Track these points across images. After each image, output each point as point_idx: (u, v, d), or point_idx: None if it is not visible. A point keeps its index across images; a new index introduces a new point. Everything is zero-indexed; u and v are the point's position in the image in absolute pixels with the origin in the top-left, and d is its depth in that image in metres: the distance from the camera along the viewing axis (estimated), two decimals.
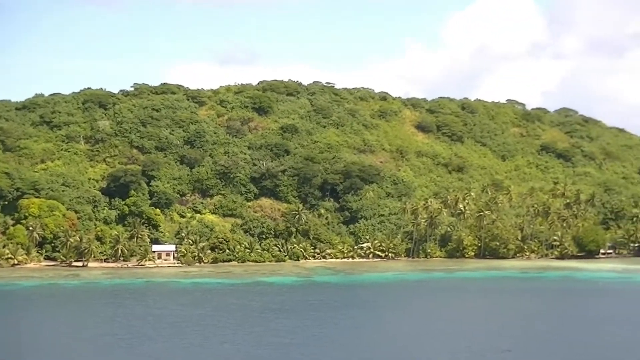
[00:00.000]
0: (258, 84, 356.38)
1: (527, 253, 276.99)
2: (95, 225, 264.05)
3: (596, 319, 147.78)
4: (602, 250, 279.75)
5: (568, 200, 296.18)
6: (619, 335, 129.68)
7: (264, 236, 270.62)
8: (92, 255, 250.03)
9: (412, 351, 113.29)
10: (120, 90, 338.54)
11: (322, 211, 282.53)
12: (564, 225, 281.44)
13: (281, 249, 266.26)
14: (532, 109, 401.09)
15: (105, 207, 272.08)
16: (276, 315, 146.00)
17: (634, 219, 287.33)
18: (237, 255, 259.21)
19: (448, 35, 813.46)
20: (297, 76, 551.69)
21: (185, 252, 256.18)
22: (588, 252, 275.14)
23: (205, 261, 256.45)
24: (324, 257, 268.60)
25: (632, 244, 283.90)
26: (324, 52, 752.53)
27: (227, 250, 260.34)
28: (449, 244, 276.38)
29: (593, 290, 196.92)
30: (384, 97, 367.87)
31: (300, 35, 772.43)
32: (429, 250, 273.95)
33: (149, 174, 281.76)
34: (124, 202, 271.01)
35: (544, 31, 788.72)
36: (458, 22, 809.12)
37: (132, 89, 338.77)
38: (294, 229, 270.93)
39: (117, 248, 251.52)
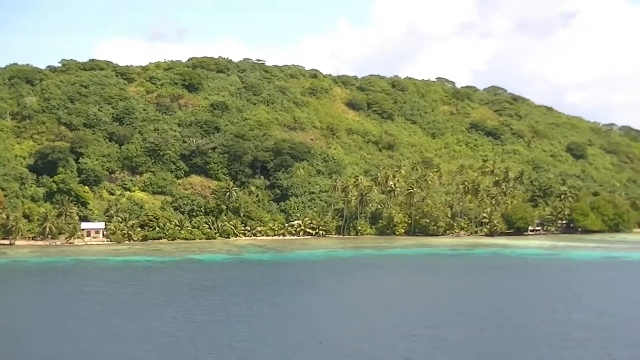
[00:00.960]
0: (188, 60, 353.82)
1: (457, 230, 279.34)
2: (22, 202, 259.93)
3: (522, 295, 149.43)
4: (530, 228, 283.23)
5: (497, 178, 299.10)
6: (543, 309, 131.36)
7: (194, 214, 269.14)
8: (20, 234, 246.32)
9: (336, 328, 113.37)
10: (48, 66, 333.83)
11: (253, 189, 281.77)
12: (493, 202, 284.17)
13: (211, 227, 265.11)
14: (462, 87, 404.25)
15: (33, 185, 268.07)
16: (206, 293, 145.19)
17: (562, 196, 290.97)
18: (167, 233, 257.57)
19: (378, 14, 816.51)
20: (227, 53, 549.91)
21: (115, 229, 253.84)
22: (517, 229, 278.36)
23: (134, 239, 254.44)
24: (255, 235, 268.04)
25: (559, 221, 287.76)
26: (255, 29, 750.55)
27: (157, 228, 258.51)
28: (380, 221, 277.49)
29: (521, 267, 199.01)
30: (314, 74, 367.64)
31: (230, 12, 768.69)
32: (359, 228, 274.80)
33: (77, 151, 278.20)
34: (52, 180, 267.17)
35: (472, 10, 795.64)
36: (388, 1, 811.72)
37: (60, 65, 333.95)
38: (224, 207, 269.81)
39: (45, 226, 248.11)
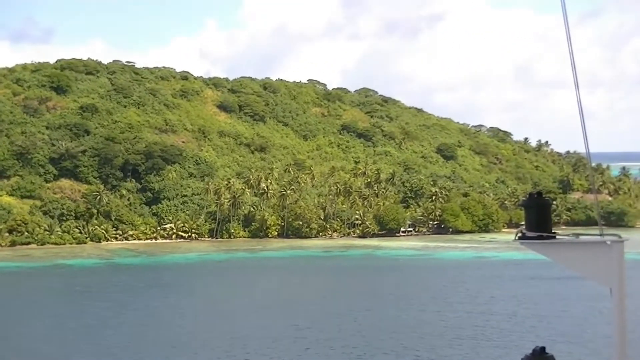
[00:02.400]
0: (56, 62, 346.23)
1: (330, 232, 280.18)
2: None
3: (394, 295, 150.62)
4: (402, 229, 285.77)
5: (369, 180, 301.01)
6: (414, 308, 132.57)
7: (64, 218, 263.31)
8: None
9: (202, 332, 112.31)
10: None
11: (124, 192, 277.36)
12: (365, 204, 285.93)
13: (82, 231, 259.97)
14: (333, 89, 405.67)
15: None
16: (77, 298, 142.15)
17: (433, 197, 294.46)
18: (36, 238, 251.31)
19: (247, 15, 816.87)
20: (96, 55, 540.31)
21: None
22: (389, 230, 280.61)
23: (2, 244, 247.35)
24: (126, 239, 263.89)
25: (431, 222, 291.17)
26: (123, 30, 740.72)
27: (26, 233, 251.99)
28: (253, 223, 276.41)
29: (394, 267, 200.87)
30: (185, 76, 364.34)
31: (97, 13, 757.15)
32: (232, 231, 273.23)
33: None
34: None
35: (339, 12, 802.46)
36: (256, 2, 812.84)
37: None
38: (95, 210, 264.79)
39: None
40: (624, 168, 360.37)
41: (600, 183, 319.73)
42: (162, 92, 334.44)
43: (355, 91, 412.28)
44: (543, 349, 12.81)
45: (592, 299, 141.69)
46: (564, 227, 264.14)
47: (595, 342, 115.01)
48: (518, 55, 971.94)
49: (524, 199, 14.00)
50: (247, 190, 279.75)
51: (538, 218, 13.57)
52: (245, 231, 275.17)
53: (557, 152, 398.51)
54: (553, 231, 13.60)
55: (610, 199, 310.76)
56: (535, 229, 13.45)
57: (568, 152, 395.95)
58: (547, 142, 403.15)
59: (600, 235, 13.42)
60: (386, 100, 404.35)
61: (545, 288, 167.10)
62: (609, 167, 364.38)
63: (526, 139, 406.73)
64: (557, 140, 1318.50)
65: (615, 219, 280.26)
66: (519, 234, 13.58)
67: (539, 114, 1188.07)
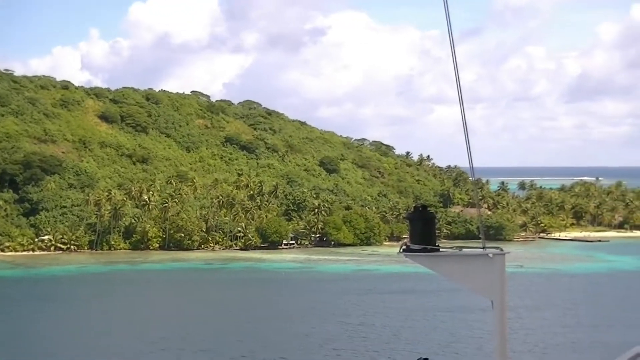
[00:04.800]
0: None
1: (212, 244, 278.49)
2: None
3: (274, 308, 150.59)
4: (284, 241, 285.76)
5: (252, 192, 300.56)
6: (294, 321, 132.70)
7: None
8: None
9: (73, 347, 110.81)
10: None
11: (1, 203, 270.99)
12: (248, 216, 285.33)
13: None
14: (217, 101, 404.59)
15: None
16: None
17: (315, 210, 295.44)
18: None
19: (129, 26, 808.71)
20: None
21: None
22: (271, 242, 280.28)
23: None
24: (2, 251, 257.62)
25: (313, 235, 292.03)
26: (4, 39, 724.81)
27: None
28: (134, 235, 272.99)
29: (276, 280, 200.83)
30: (66, 86, 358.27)
31: None
32: (112, 242, 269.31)
33: None
34: None
35: (223, 25, 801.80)
36: (139, 12, 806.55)
37: None
38: None
39: None
40: (502, 183, 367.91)
41: (480, 197, 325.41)
42: (42, 102, 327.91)
43: (239, 103, 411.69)
44: None
45: (469, 311, 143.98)
46: (444, 240, 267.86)
47: (476, 354, 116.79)
48: (401, 70, 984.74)
49: (409, 212, 13.94)
50: (128, 201, 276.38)
51: (422, 231, 13.51)
52: (126, 243, 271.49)
53: (438, 167, 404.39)
54: (437, 244, 13.57)
55: (489, 213, 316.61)
56: (420, 242, 13.39)
57: (449, 167, 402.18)
58: (428, 156, 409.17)
59: (483, 248, 13.43)
60: (270, 113, 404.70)
61: (427, 300, 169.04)
62: (488, 182, 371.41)
63: (408, 153, 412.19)
64: (438, 154, 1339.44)
65: (494, 233, 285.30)
66: (404, 247, 13.51)
67: (420, 129, 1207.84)
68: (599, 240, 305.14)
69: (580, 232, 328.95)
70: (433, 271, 13.44)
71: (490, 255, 13.15)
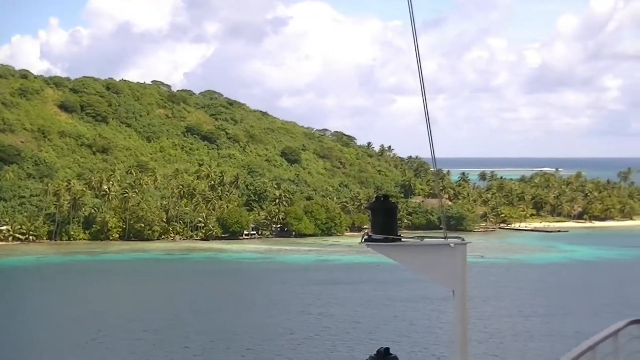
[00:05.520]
0: None
1: (173, 235, 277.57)
2: None
3: (235, 298, 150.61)
4: (245, 232, 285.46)
5: (213, 182, 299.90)
6: (257, 312, 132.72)
7: None
8: None
9: (38, 338, 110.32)
10: None
11: None
12: (209, 207, 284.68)
13: None
14: (178, 90, 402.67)
15: None
16: None
17: (276, 200, 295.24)
18: None
19: (90, 14, 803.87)
20: None
21: None
22: (232, 233, 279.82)
23: None
24: None
25: (274, 225, 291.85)
26: None
27: None
28: (93, 226, 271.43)
29: (237, 270, 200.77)
30: (24, 75, 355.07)
31: None
32: (72, 233, 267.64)
33: None
34: None
35: (184, 14, 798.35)
36: (99, 1, 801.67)
37: None
38: None
39: None
40: (463, 174, 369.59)
41: (441, 188, 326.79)
42: (0, 91, 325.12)
43: (200, 93, 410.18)
44: (387, 349, 12.76)
45: (433, 302, 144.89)
46: (405, 230, 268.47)
47: (436, 344, 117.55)
48: (363, 61, 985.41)
49: (370, 202, 13.96)
50: (88, 191, 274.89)
51: (384, 221, 13.52)
52: (85, 233, 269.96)
53: (400, 157, 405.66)
54: (399, 234, 13.60)
55: (450, 203, 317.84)
56: (382, 232, 13.40)
57: (410, 157, 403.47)
58: (389, 147, 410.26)
59: (445, 238, 13.48)
60: (231, 103, 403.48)
61: (387, 290, 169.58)
62: (449, 173, 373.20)
63: (369, 143, 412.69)
64: (399, 145, 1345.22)
65: (455, 223, 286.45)
66: (365, 237, 13.53)
67: (382, 119, 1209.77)
68: (559, 231, 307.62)
69: (540, 222, 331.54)
70: (395, 261, 13.46)
71: (452, 245, 13.18)
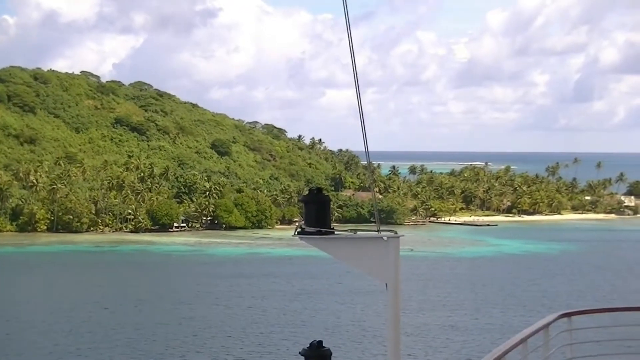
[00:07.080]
0: None
1: (101, 227, 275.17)
2: None
3: (162, 291, 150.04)
4: (175, 224, 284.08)
5: (142, 174, 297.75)
6: (183, 304, 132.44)
7: None
8: None
9: None
10: None
11: None
12: (138, 198, 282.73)
13: None
14: (107, 81, 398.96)
15: None
16: None
17: (207, 192, 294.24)
18: None
19: (16, 4, 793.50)
20: None
21: None
22: (162, 225, 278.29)
23: None
24: None
25: (204, 218, 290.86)
26: None
27: None
28: (21, 217, 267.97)
29: (166, 263, 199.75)
30: None
31: None
32: None
33: None
34: None
35: (111, 4, 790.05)
36: None
37: None
38: None
39: None
40: (393, 167, 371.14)
41: (372, 181, 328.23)
42: None
43: (129, 84, 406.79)
44: (320, 342, 12.75)
45: (364, 295, 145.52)
46: (336, 224, 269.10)
47: (367, 336, 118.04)
48: (292, 53, 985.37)
49: (303, 195, 13.93)
50: (15, 182, 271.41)
51: (317, 214, 13.50)
52: (12, 225, 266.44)
53: (330, 150, 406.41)
54: (332, 227, 13.59)
55: (380, 197, 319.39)
56: (315, 225, 13.38)
57: (340, 150, 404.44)
58: (320, 140, 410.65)
59: (377, 231, 13.48)
60: (161, 94, 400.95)
61: (318, 283, 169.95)
62: (379, 166, 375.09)
63: (300, 136, 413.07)
64: (329, 138, 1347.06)
65: (385, 217, 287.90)
66: (298, 229, 13.50)
67: (312, 112, 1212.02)
68: (488, 225, 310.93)
69: (470, 216, 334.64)
70: (328, 254, 13.44)
71: (385, 238, 13.19)
